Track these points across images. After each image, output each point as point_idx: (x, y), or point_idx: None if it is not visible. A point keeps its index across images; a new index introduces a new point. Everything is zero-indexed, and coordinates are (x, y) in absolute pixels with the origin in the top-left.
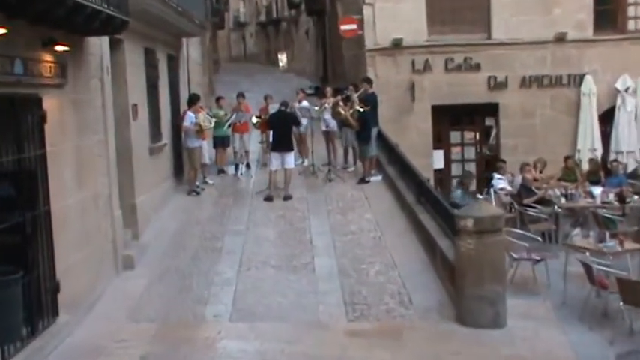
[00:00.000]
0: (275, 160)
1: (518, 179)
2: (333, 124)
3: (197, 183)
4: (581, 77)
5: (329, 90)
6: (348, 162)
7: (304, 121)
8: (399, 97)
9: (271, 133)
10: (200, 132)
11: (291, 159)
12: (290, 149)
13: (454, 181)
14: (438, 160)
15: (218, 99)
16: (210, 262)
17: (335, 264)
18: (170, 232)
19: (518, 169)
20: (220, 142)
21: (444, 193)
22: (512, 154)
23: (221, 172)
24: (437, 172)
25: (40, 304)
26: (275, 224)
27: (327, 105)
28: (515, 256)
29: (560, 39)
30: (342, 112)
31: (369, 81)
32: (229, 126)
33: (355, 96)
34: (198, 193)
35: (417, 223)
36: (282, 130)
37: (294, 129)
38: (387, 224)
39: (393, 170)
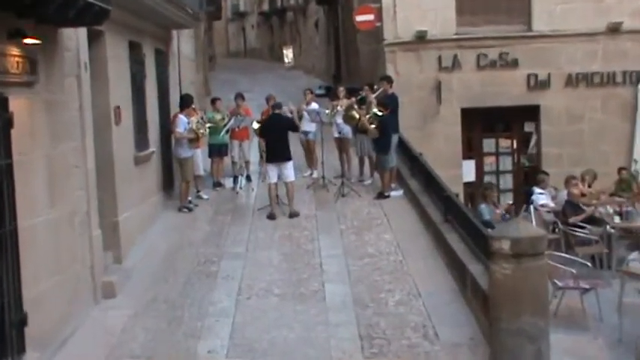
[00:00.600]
0: (272, 172)
1: (563, 194)
2: (347, 130)
3: (190, 198)
4: (638, 75)
5: (342, 90)
6: (363, 174)
7: (313, 127)
8: (424, 99)
9: (265, 142)
10: (195, 140)
11: (290, 170)
12: (288, 158)
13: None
14: (469, 171)
15: (214, 101)
16: (204, 289)
17: (349, 292)
18: (158, 255)
19: (563, 182)
20: (216, 151)
21: (476, 211)
22: (556, 164)
23: (217, 185)
24: (467, 185)
25: (3, 340)
26: (279, 246)
27: (339, 108)
28: (559, 284)
29: (614, 30)
30: (357, 116)
31: (388, 80)
32: (227, 132)
33: (372, 97)
34: (190, 210)
35: (444, 245)
36: (276, 137)
37: (301, 136)
38: (409, 246)
39: (416, 184)
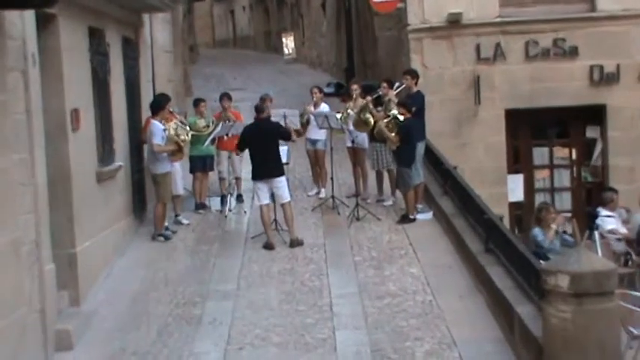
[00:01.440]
0: (262, 191)
1: (638, 217)
2: (363, 137)
3: (166, 223)
4: None
5: (356, 88)
6: (383, 192)
7: (322, 134)
8: (458, 99)
9: (250, 154)
10: (178, 151)
11: (283, 188)
12: (278, 173)
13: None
14: (516, 188)
15: (197, 102)
16: (184, 338)
17: (366, 340)
18: (127, 296)
19: (637, 201)
20: (200, 165)
21: (525, 237)
22: (627, 179)
23: (201, 207)
24: (514, 206)
25: None
26: (279, 282)
27: (350, 111)
28: (635, 332)
29: None
30: (372, 118)
31: (412, 75)
32: (213, 141)
33: (392, 96)
34: (167, 238)
35: (485, 281)
36: (263, 147)
37: (308, 146)
38: (441, 283)
39: (450, 204)
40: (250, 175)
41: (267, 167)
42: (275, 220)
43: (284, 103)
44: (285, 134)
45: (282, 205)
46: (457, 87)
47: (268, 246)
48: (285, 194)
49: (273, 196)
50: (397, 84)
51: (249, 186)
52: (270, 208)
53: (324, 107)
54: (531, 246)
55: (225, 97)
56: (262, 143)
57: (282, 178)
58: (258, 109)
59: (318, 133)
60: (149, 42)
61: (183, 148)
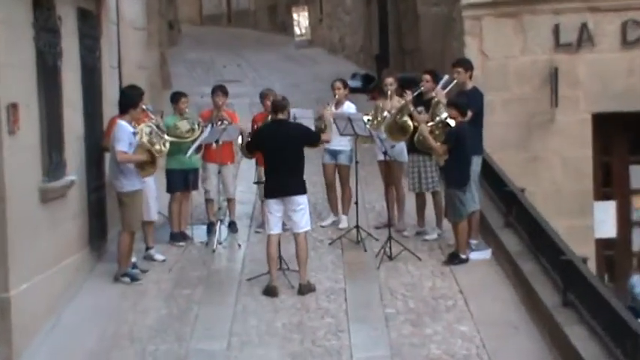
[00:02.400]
0: (273, 215)
1: None
2: (399, 148)
3: (134, 259)
4: None
5: (391, 82)
6: (425, 222)
7: (345, 143)
8: (528, 99)
9: (264, 164)
10: (149, 163)
11: (303, 212)
12: (299, 191)
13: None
14: (606, 220)
15: (176, 97)
16: None
17: None
18: (79, 356)
19: None
20: (180, 181)
21: (619, 288)
22: None
23: (181, 237)
24: (603, 243)
25: None
26: (283, 341)
27: (386, 112)
28: None
29: None
30: (412, 123)
31: (466, 66)
32: (197, 150)
33: (442, 94)
34: (135, 279)
35: (562, 346)
36: (282, 155)
37: (325, 158)
38: (501, 347)
39: (515, 240)
40: (246, 196)
41: (284, 182)
42: (280, 256)
43: (294, 100)
44: (313, 138)
45: (297, 235)
46: (527, 83)
47: (270, 291)
48: (303, 221)
49: (285, 225)
50: (445, 78)
51: (245, 210)
52: (280, 241)
53: (348, 107)
54: (627, 299)
55: (219, 90)
56: (281, 150)
57: (304, 199)
58: (278, 106)
59: (339, 142)
60: (114, 16)
61: (157, 159)
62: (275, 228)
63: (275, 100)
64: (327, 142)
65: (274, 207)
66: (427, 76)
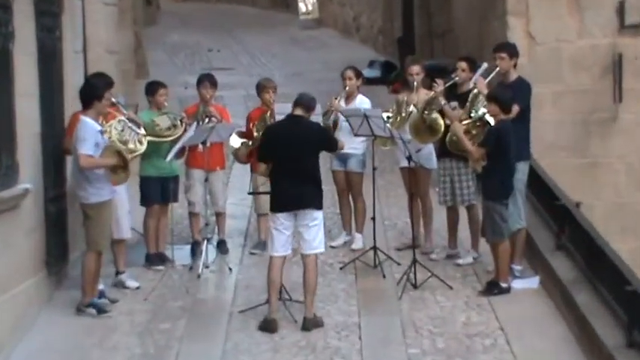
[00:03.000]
0: (281, 232)
1: None
2: (428, 152)
3: (101, 286)
4: None
5: (417, 71)
6: (457, 242)
7: (358, 146)
8: (585, 91)
9: (272, 168)
10: (121, 168)
11: (316, 230)
12: (315, 204)
13: None
14: None
15: (154, 88)
16: None
17: None
18: None
19: None
20: (158, 192)
21: None
22: None
23: (159, 260)
24: None
25: None
26: None
27: (412, 107)
28: None
29: None
30: (441, 120)
31: (510, 51)
32: (179, 154)
33: (482, 85)
34: (103, 311)
35: None
36: (294, 160)
37: (334, 164)
38: None
39: (568, 265)
40: (238, 209)
41: (298, 192)
42: (282, 285)
43: (298, 93)
44: (332, 144)
45: (306, 257)
46: (584, 72)
47: (269, 325)
48: (316, 240)
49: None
50: (483, 66)
51: (237, 226)
52: (284, 264)
53: (361, 101)
54: None
55: (206, 80)
56: (296, 153)
57: (319, 214)
58: (302, 98)
59: (351, 144)
60: None
61: (129, 163)
62: (281, 249)
63: (301, 95)
64: (342, 149)
65: (283, 223)
66: (463, 64)
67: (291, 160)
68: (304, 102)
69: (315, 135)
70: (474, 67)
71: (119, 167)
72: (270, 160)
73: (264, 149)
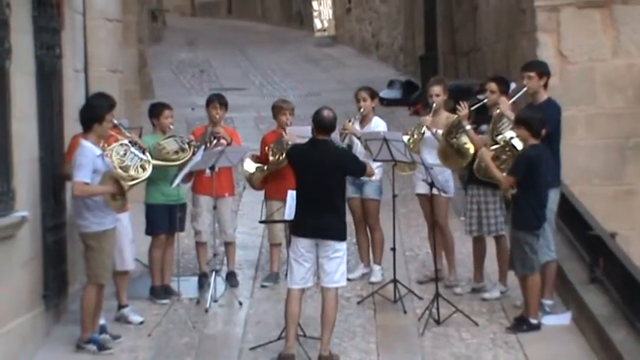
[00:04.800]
0: (300, 264)
1: None
2: (446, 178)
3: (102, 321)
4: None
5: (437, 92)
6: (483, 275)
7: (378, 173)
8: (621, 114)
9: (294, 193)
10: (116, 199)
11: (339, 262)
12: (338, 235)
13: None
14: None
15: (159, 110)
16: None
17: None
18: None
19: None
20: (164, 220)
21: None
22: None
23: (164, 293)
24: None
25: None
26: None
27: (425, 128)
28: None
29: None
30: (472, 147)
31: (540, 70)
32: (186, 179)
33: (507, 107)
34: (104, 348)
35: None
36: (318, 185)
37: (349, 191)
38: None
39: (603, 300)
40: (249, 239)
41: (320, 221)
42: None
43: (311, 114)
44: (358, 168)
45: (326, 291)
46: (619, 93)
47: None
48: (338, 274)
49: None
50: (514, 86)
51: (248, 257)
52: (304, 298)
53: (376, 124)
54: None
55: (216, 100)
56: (319, 177)
57: (342, 246)
58: (323, 123)
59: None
60: (80, 4)
61: (126, 191)
62: (300, 281)
63: (320, 116)
64: (370, 176)
65: (303, 254)
66: (492, 85)
67: (314, 186)
68: (322, 123)
69: (339, 159)
70: (504, 88)
71: (116, 196)
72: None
73: (291, 167)
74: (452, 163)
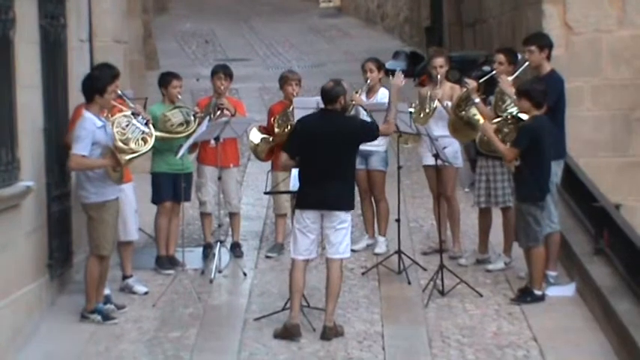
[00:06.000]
0: (305, 235)
1: None
2: (454, 151)
3: (107, 291)
4: None
5: (440, 63)
6: (488, 247)
7: (380, 143)
8: (627, 85)
9: (299, 165)
10: (114, 170)
11: (344, 234)
12: (345, 205)
13: None
14: None
15: (166, 79)
16: None
17: None
18: None
19: None
20: (169, 190)
21: None
22: None
23: (169, 263)
24: None
25: None
26: None
27: (437, 102)
28: None
29: None
30: (480, 118)
31: (540, 43)
32: (191, 149)
33: (505, 83)
34: (108, 318)
35: None
36: (327, 156)
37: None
38: None
39: (607, 272)
40: (254, 209)
41: (328, 191)
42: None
43: (318, 86)
44: (372, 131)
45: (331, 262)
46: (626, 64)
47: (290, 331)
48: (343, 245)
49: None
50: (520, 58)
51: (253, 228)
52: (308, 269)
53: (383, 95)
54: None
55: (221, 71)
56: (330, 150)
57: (347, 217)
58: (324, 92)
59: (373, 141)
60: None
61: (123, 165)
62: (305, 252)
63: (323, 88)
64: (387, 134)
65: (308, 225)
66: (500, 57)
67: (327, 158)
68: (327, 94)
69: (351, 128)
70: (512, 59)
71: (115, 167)
72: (299, 155)
73: (294, 143)
74: (463, 135)
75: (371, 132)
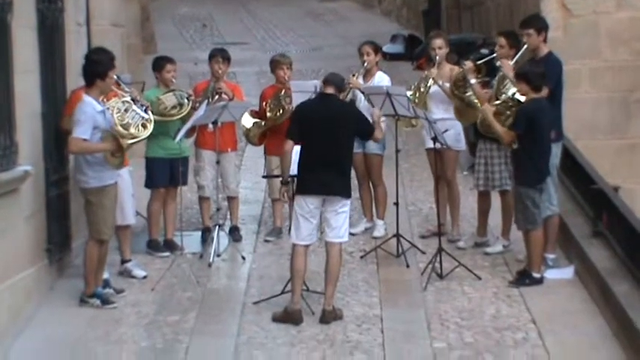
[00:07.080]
0: (307, 220)
1: None
2: (455, 133)
3: (106, 275)
4: None
5: (439, 44)
6: (487, 230)
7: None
8: (625, 68)
9: (298, 149)
10: (113, 156)
11: (343, 219)
12: (343, 192)
13: None
14: None
15: (161, 63)
16: None
17: None
18: None
19: None
20: (165, 174)
21: None
22: None
23: (167, 247)
24: None
25: None
26: None
27: (431, 81)
28: None
29: None
30: (477, 102)
31: (537, 26)
32: (189, 134)
33: (507, 67)
34: (107, 302)
35: None
36: (326, 142)
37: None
38: None
39: (606, 254)
40: (252, 193)
41: (327, 176)
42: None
43: (315, 69)
44: (367, 128)
45: (331, 246)
46: (624, 47)
47: (292, 316)
48: (343, 229)
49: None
50: (524, 40)
51: (251, 212)
52: (309, 254)
53: (380, 79)
54: None
55: (218, 55)
56: (327, 135)
57: (347, 202)
58: (337, 83)
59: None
60: None
61: (124, 149)
62: (307, 237)
63: (333, 74)
64: (377, 141)
65: (311, 210)
66: (502, 40)
67: (324, 143)
68: (336, 81)
69: (350, 117)
70: (514, 43)
71: (114, 152)
72: (301, 140)
73: (295, 129)
74: (468, 118)
75: (367, 124)
